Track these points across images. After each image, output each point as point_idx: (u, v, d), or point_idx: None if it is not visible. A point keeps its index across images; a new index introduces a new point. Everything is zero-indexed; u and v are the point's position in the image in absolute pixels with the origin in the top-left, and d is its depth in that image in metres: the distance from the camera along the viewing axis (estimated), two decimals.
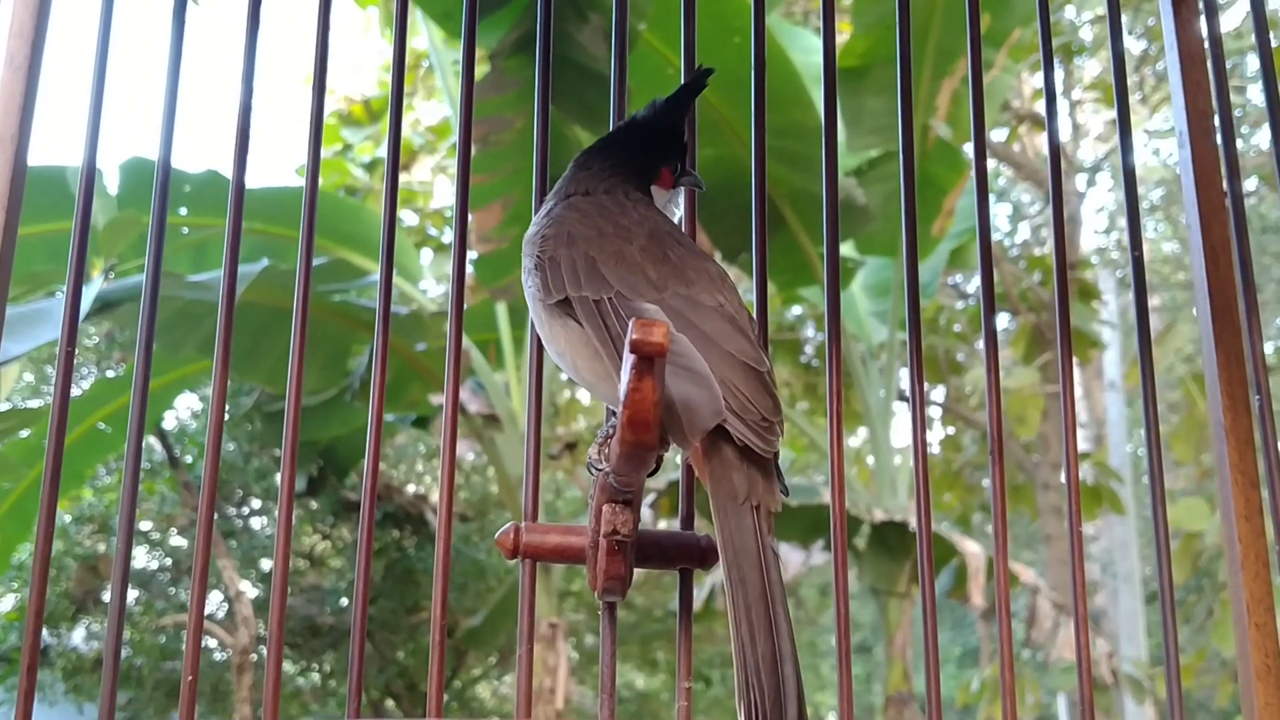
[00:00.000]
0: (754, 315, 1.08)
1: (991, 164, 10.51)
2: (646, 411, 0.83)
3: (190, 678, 0.84)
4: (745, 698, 0.85)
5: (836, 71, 1.14)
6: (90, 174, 1.03)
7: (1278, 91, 1.06)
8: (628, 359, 0.81)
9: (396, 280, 6.93)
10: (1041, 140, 10.16)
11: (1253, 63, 9.45)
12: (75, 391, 7.30)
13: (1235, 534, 0.94)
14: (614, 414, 1.00)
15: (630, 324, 0.78)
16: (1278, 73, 1.10)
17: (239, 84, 1.15)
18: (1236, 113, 7.80)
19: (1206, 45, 1.08)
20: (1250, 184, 9.17)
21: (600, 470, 0.96)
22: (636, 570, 1.05)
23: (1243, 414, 0.98)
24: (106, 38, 1.06)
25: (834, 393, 1.08)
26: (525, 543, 1.02)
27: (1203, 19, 1.08)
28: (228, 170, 1.14)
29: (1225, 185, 1.07)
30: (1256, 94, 9.73)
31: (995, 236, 10.74)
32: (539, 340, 1.12)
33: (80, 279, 1.00)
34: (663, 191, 1.15)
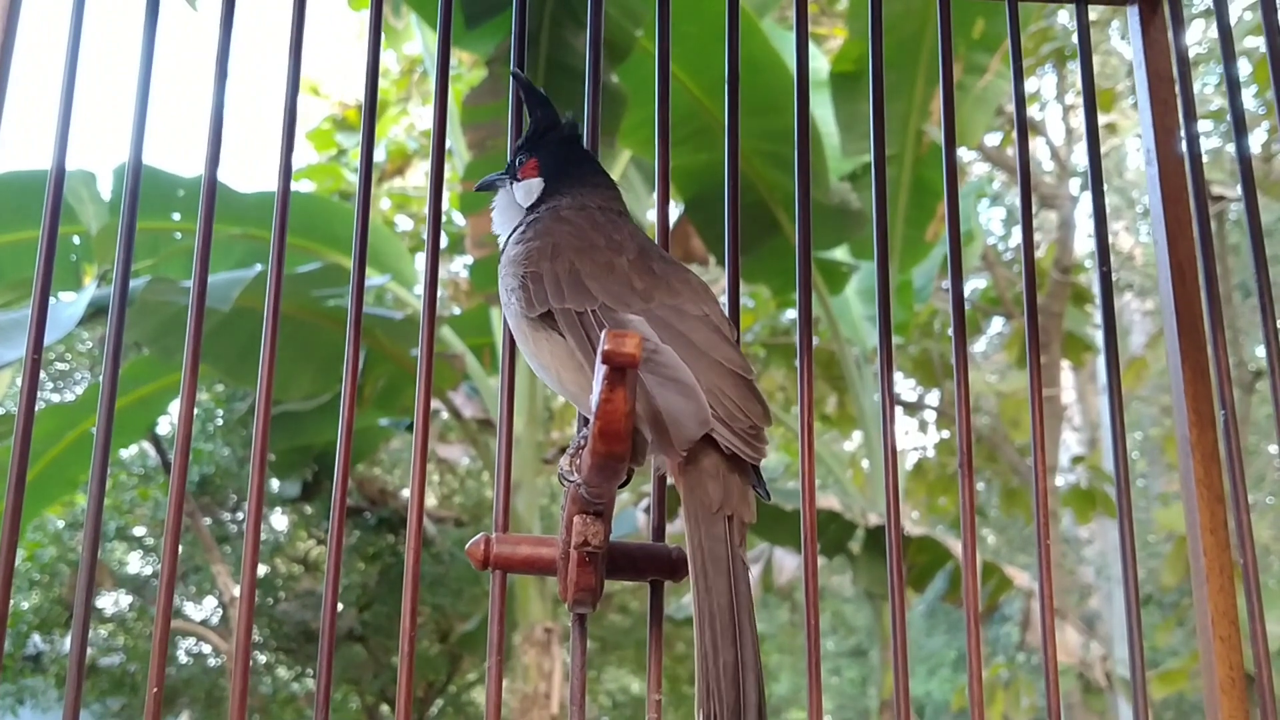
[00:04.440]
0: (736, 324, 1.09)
1: (985, 168, 10.51)
2: (618, 422, 0.83)
3: (155, 690, 0.84)
4: (704, 706, 0.85)
5: (811, 85, 1.14)
6: (59, 179, 1.04)
7: (1240, 98, 1.06)
8: (599, 369, 0.81)
9: (391, 285, 6.94)
10: (1034, 143, 10.18)
11: (1243, 67, 9.46)
12: (69, 397, 7.30)
13: (1200, 548, 0.95)
14: (586, 424, 1.00)
15: (602, 334, 0.79)
16: (1258, 78, 1.11)
17: (213, 84, 1.16)
18: (1230, 117, 7.80)
19: (1175, 64, 1.09)
20: (1240, 188, 9.16)
21: (572, 481, 0.96)
22: (616, 580, 1.06)
23: (1208, 429, 0.98)
24: (77, 39, 1.06)
25: (806, 401, 1.09)
26: (495, 554, 1.02)
27: (1171, 38, 1.09)
28: (221, 175, 1.14)
29: (1197, 196, 1.07)
30: (1246, 98, 9.75)
31: (989, 241, 10.76)
32: (512, 354, 1.13)
33: (48, 286, 1.00)
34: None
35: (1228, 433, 0.99)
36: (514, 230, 1.13)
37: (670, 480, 0.99)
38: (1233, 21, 1.16)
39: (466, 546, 1.03)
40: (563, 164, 1.15)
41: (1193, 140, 1.05)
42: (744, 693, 0.85)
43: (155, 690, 0.83)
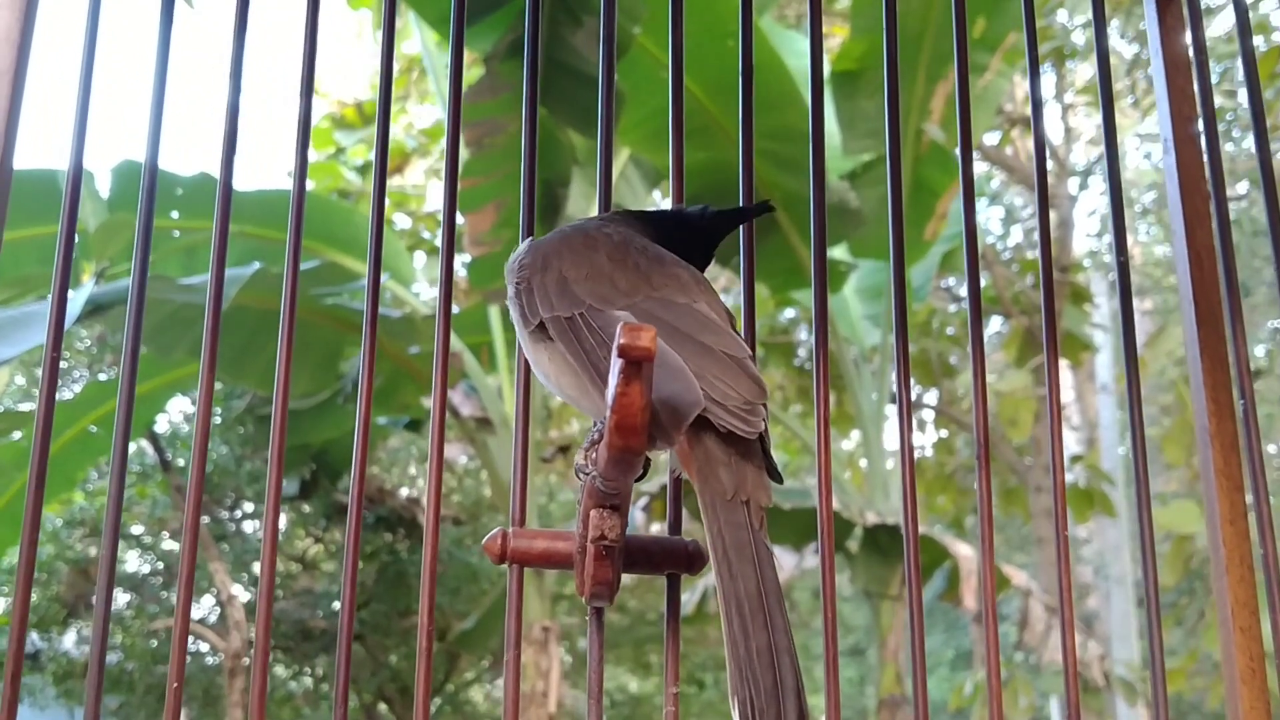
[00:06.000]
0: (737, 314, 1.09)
1: (984, 167, 10.52)
2: (634, 416, 0.83)
3: (175, 684, 0.84)
4: (739, 693, 0.83)
5: (824, 87, 1.14)
6: (76, 179, 1.03)
7: (1260, 94, 1.06)
8: (615, 364, 0.81)
9: (389, 284, 6.93)
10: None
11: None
12: (66, 395, 7.29)
13: (1220, 538, 0.94)
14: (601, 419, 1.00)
15: (618, 329, 0.78)
16: (1261, 77, 1.11)
17: (227, 85, 1.15)
18: (1229, 116, 7.82)
19: (1191, 52, 1.09)
20: (1243, 187, 9.20)
21: (588, 475, 0.96)
22: (629, 574, 1.06)
23: (1227, 419, 0.98)
24: (93, 40, 1.06)
25: (821, 399, 1.08)
26: (513, 548, 1.02)
27: (1188, 26, 1.09)
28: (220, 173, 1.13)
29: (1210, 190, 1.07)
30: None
31: (988, 240, 10.76)
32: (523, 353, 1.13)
33: (65, 283, 1.00)
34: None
35: (1247, 423, 0.98)
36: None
37: (685, 476, 0.99)
38: (1231, 24, 1.16)
39: (483, 541, 1.03)
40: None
41: (1210, 128, 1.05)
42: (780, 675, 0.83)
43: (175, 685, 0.82)
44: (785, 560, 7.62)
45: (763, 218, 1.19)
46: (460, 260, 6.46)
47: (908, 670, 7.30)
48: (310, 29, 1.16)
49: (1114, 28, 8.20)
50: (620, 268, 1.02)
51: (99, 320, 6.06)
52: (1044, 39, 7.68)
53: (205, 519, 8.21)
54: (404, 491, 9.12)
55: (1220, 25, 7.83)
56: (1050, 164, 9.93)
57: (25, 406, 8.81)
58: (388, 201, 10.17)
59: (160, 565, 8.67)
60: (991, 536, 1.00)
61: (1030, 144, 10.24)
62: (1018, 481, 9.24)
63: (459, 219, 5.94)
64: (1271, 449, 11.89)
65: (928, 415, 9.94)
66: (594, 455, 0.95)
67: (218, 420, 8.11)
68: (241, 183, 7.47)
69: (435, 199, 10.04)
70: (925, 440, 10.11)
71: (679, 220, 1.15)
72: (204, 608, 8.65)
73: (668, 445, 0.93)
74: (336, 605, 8.59)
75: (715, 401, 0.92)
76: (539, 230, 1.20)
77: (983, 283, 9.91)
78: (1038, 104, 1.12)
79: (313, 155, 9.49)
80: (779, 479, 0.96)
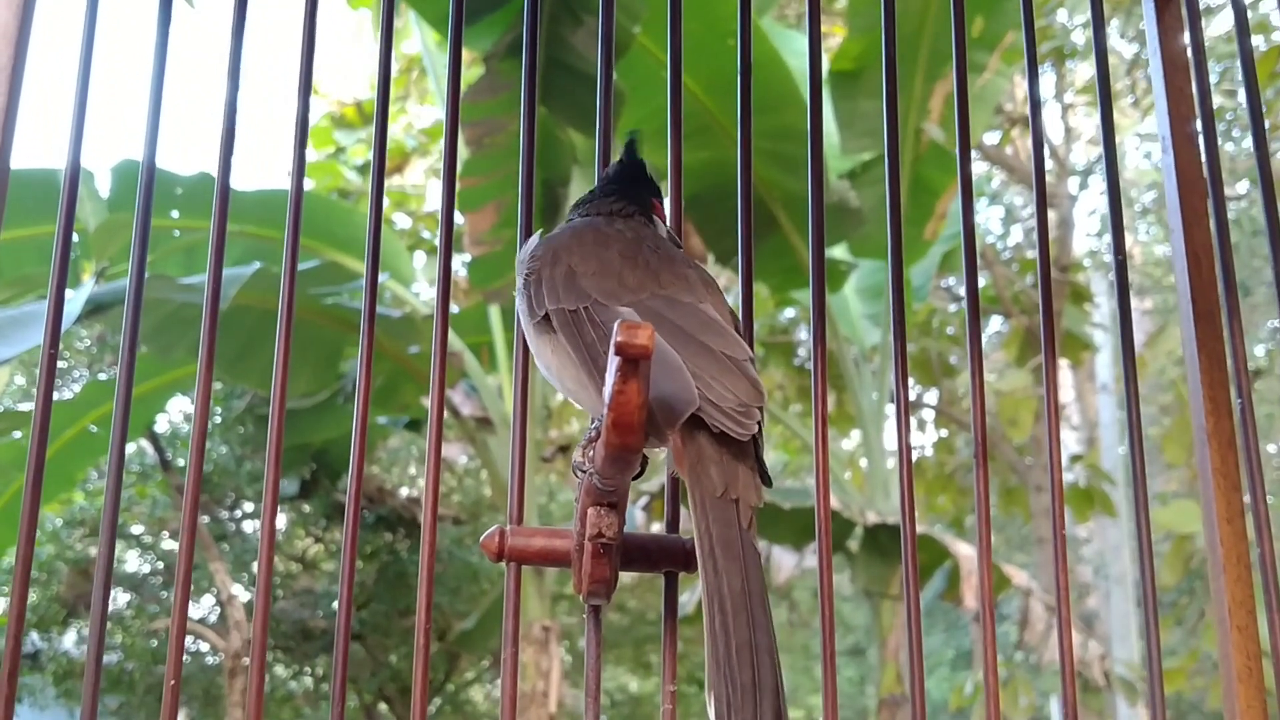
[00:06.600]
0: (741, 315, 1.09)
1: (984, 167, 10.52)
2: (631, 414, 0.83)
3: (173, 682, 0.84)
4: (716, 689, 0.83)
5: (823, 85, 1.14)
6: (74, 176, 1.03)
7: (1259, 95, 1.06)
8: (613, 361, 0.81)
9: (389, 283, 6.93)
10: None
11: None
12: (66, 394, 7.30)
13: (1217, 537, 0.94)
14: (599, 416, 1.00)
15: (615, 326, 0.78)
16: (1259, 77, 1.11)
17: (225, 83, 1.15)
18: (1229, 115, 7.82)
19: (1189, 52, 1.09)
20: (1242, 187, 9.20)
21: (585, 473, 0.96)
22: (629, 573, 1.06)
23: (1224, 417, 0.98)
24: (91, 38, 1.06)
25: (819, 398, 1.08)
26: (510, 546, 1.02)
27: (1186, 26, 1.09)
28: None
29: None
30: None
31: (988, 239, 10.75)
32: (525, 347, 1.14)
33: (63, 282, 1.00)
34: (660, 222, 1.17)
35: (1244, 421, 0.98)
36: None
37: (678, 474, 0.99)
38: (1230, 24, 1.16)
39: (481, 539, 1.03)
40: (593, 193, 1.18)
41: (1209, 127, 1.05)
42: (759, 673, 0.83)
43: (172, 683, 0.82)
44: (785, 560, 7.62)
45: (763, 219, 1.20)
46: (460, 260, 6.46)
47: (908, 670, 7.29)
48: (308, 28, 1.16)
49: (1114, 27, 8.20)
50: (630, 265, 1.03)
51: (99, 320, 6.06)
52: (1044, 38, 7.68)
53: (205, 519, 8.21)
54: (404, 491, 9.12)
55: (1221, 25, 7.83)
56: (1050, 163, 9.96)
57: (25, 406, 8.81)
58: (388, 201, 10.17)
59: (160, 565, 8.68)
60: (989, 536, 1.00)
61: (1030, 143, 10.23)
62: (1018, 481, 9.24)
63: (460, 219, 5.94)
64: (1271, 448, 11.89)
65: (928, 415, 9.94)
66: (591, 453, 0.95)
67: (218, 420, 8.11)
68: (242, 183, 7.47)
69: (435, 199, 10.03)
70: (925, 440, 10.11)
71: (625, 169, 1.17)
72: (204, 608, 8.66)
73: (661, 443, 0.93)
74: (337, 605, 8.59)
75: (710, 402, 0.93)
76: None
77: (982, 282, 9.92)
78: (1036, 103, 1.12)
79: (313, 155, 9.49)
80: (769, 483, 0.97)
